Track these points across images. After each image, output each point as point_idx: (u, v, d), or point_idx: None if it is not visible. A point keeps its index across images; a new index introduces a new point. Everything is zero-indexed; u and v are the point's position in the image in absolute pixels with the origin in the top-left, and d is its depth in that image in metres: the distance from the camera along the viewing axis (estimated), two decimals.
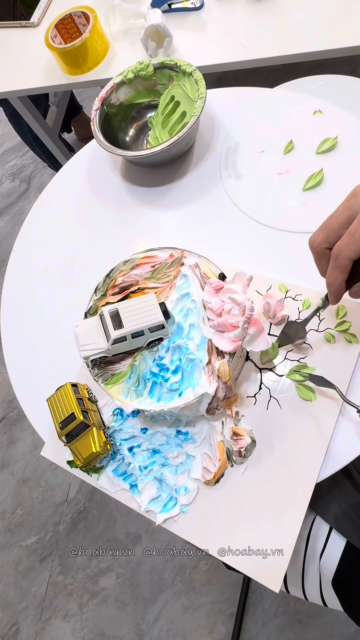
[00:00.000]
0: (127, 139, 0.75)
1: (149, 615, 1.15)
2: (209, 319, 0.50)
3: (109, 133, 0.71)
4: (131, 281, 0.56)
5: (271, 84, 0.85)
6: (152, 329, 0.50)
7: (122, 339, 0.50)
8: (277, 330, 0.55)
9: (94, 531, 1.28)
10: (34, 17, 1.00)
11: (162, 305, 0.52)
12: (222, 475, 0.50)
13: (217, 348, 0.49)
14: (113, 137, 0.72)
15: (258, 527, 0.47)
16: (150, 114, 0.75)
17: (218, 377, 0.48)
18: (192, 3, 0.87)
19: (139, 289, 0.56)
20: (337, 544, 0.57)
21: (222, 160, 0.69)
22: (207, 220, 0.65)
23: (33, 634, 1.21)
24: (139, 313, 0.50)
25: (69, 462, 0.55)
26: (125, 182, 0.73)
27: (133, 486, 0.52)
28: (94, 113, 0.70)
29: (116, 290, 0.56)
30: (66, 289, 0.67)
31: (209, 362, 0.49)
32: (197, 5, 0.87)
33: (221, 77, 1.67)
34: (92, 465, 0.53)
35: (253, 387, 0.53)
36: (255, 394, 0.53)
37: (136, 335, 0.50)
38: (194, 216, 0.66)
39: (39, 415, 0.59)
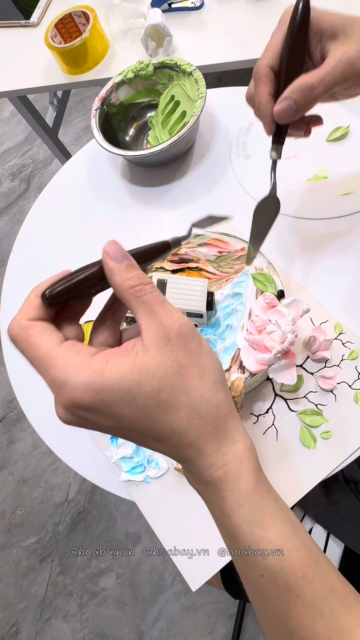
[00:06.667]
0: (127, 138, 0.75)
1: (149, 616, 1.15)
2: (247, 331, 0.48)
3: (109, 133, 0.71)
4: (194, 257, 0.55)
5: None
6: (190, 314, 0.49)
7: None
8: (310, 365, 0.52)
9: (94, 531, 1.28)
10: (34, 17, 1.00)
11: (210, 295, 0.50)
12: None
13: (242, 361, 0.48)
14: (113, 137, 0.72)
15: (202, 527, 0.48)
16: (150, 114, 0.75)
17: (230, 388, 0.47)
18: (192, 3, 0.87)
19: (197, 267, 0.54)
20: (335, 550, 0.57)
21: (233, 139, 0.69)
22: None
23: (33, 634, 1.21)
24: (184, 293, 0.49)
25: None
26: (125, 182, 0.73)
27: (114, 437, 0.54)
28: (93, 112, 0.69)
29: (176, 259, 0.54)
30: None
31: (228, 369, 0.48)
32: (197, 4, 0.86)
33: (221, 77, 1.67)
34: None
35: (261, 407, 0.51)
36: (259, 415, 0.51)
37: None
38: (194, 216, 0.66)
39: (39, 415, 0.59)
